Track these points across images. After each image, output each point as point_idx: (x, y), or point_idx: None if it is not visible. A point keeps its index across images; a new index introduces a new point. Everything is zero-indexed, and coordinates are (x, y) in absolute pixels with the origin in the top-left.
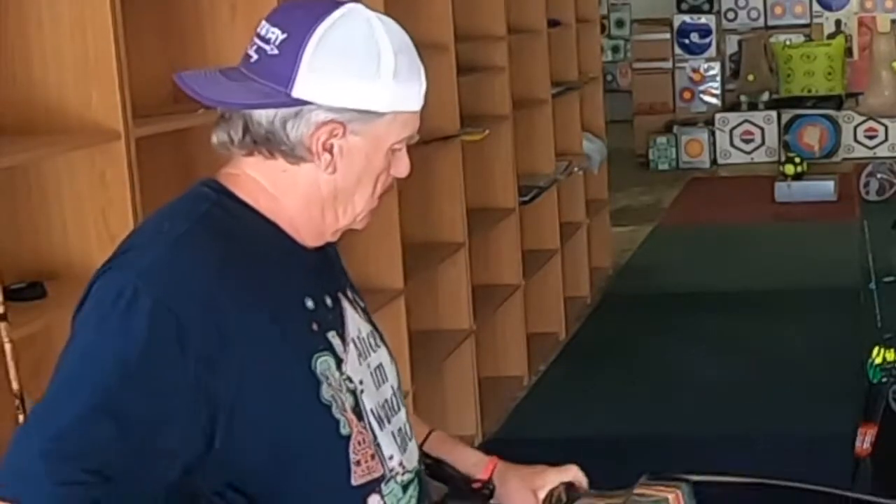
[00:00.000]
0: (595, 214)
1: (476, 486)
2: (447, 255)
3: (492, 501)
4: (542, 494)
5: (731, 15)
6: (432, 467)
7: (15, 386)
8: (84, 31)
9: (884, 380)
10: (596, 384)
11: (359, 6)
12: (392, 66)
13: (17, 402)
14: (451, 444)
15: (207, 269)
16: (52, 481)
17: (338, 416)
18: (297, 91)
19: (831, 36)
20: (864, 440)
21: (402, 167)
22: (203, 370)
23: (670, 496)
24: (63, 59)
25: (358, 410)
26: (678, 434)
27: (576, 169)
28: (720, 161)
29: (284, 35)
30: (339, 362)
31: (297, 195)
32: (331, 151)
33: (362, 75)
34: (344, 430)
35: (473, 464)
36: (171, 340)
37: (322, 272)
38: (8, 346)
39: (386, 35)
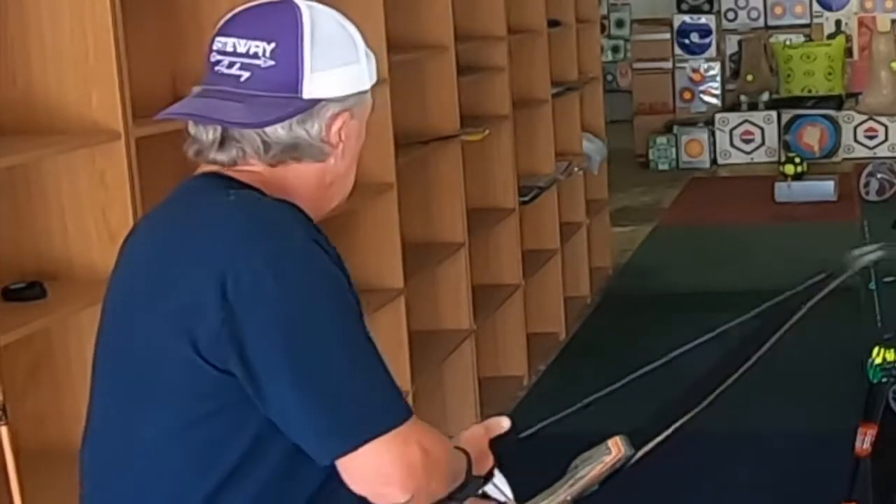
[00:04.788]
0: (595, 214)
1: None
2: (447, 255)
3: None
4: None
5: (731, 15)
6: None
7: None
8: (84, 31)
9: (884, 380)
10: (596, 384)
11: (297, 1)
12: (363, 46)
13: (0, 412)
14: None
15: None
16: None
17: None
18: (307, 92)
19: (831, 36)
20: (864, 440)
21: None
22: None
23: (609, 441)
24: (63, 59)
25: None
26: (679, 434)
27: (576, 169)
28: (720, 161)
29: (273, 45)
30: None
31: (310, 183)
32: (342, 139)
33: (350, 61)
34: None
35: None
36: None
37: None
38: None
39: (344, 19)
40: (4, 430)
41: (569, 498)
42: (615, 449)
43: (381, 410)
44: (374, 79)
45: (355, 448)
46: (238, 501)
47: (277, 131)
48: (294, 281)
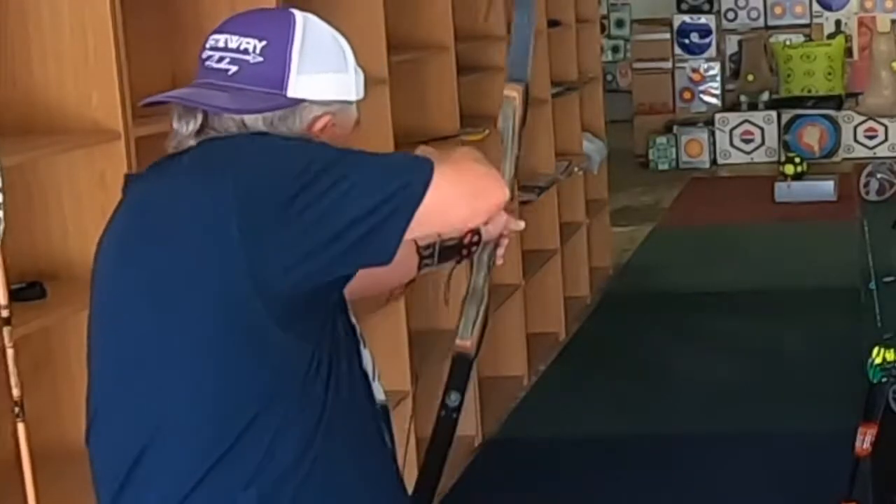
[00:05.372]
0: (595, 214)
1: (468, 237)
2: None
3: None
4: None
5: (731, 15)
6: (430, 247)
7: (16, 393)
8: (84, 31)
9: (884, 380)
10: (596, 384)
11: (298, 11)
12: (353, 58)
13: (17, 409)
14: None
15: None
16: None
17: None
18: (292, 91)
19: (831, 36)
20: (864, 440)
21: None
22: None
23: (504, 93)
24: (63, 59)
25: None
26: (678, 434)
27: (576, 169)
28: (720, 161)
29: (263, 43)
30: None
31: None
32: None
33: (338, 69)
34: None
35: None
36: None
37: None
38: (10, 352)
39: (338, 32)
40: (21, 427)
41: (517, 150)
42: (514, 92)
43: (412, 163)
44: (361, 94)
45: (426, 191)
46: (236, 475)
47: (258, 124)
48: (272, 147)
